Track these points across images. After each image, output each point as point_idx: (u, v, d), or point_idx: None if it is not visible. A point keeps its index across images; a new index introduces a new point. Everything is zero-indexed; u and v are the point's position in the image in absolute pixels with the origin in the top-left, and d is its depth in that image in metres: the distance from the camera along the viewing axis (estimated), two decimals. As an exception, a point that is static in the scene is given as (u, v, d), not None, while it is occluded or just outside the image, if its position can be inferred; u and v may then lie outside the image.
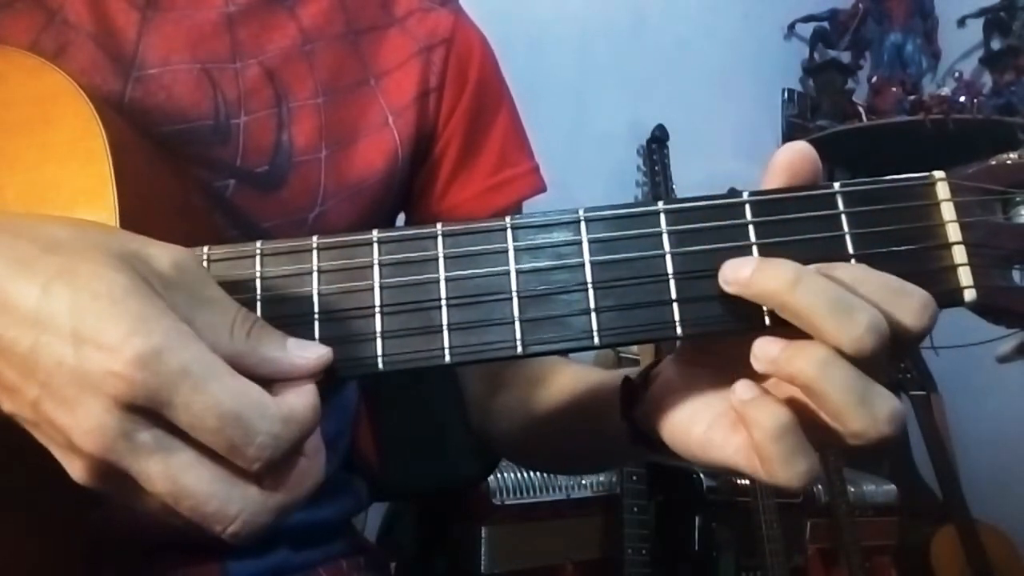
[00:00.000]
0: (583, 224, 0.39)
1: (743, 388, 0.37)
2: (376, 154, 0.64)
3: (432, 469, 0.93)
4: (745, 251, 0.38)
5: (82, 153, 0.44)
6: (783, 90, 2.24)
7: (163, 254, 0.34)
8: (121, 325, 0.31)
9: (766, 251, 0.38)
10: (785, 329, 0.36)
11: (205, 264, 0.39)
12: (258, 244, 0.39)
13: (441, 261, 0.39)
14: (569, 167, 1.70)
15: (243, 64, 0.60)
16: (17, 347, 0.32)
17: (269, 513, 0.33)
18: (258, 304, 0.38)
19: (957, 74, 1.99)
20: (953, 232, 0.38)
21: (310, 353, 0.36)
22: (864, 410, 0.35)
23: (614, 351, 1.51)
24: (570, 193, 1.45)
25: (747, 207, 0.39)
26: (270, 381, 0.35)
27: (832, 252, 0.38)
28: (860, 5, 2.18)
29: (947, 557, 1.71)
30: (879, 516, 1.75)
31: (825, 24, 2.24)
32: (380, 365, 0.38)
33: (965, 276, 0.38)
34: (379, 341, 0.38)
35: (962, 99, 1.89)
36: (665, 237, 0.39)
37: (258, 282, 0.39)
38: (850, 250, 0.38)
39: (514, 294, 0.38)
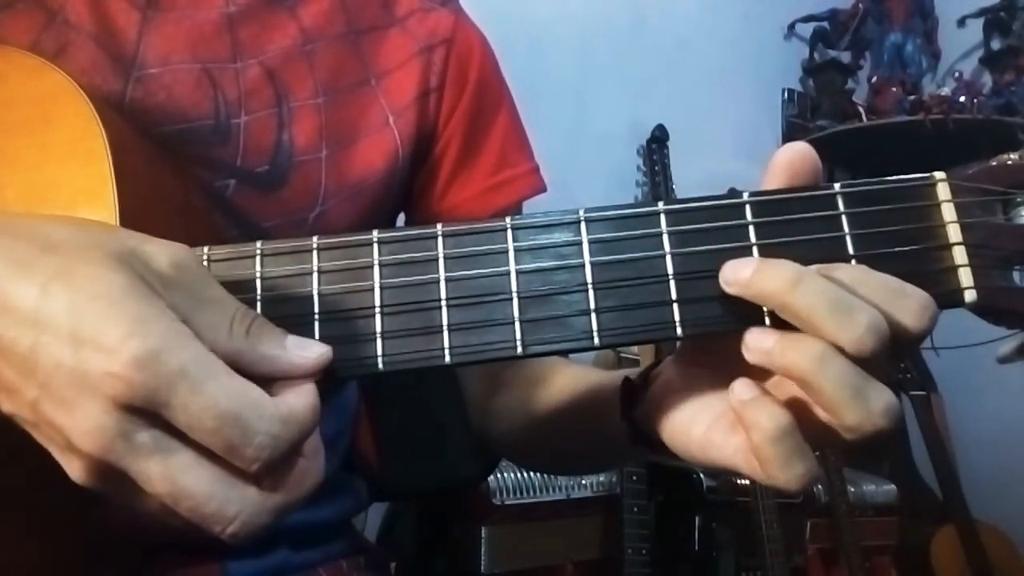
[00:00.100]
0: (583, 224, 0.39)
1: (742, 388, 0.37)
2: (376, 154, 0.64)
3: (432, 469, 0.93)
4: (745, 252, 0.38)
5: (82, 153, 0.44)
6: (783, 90, 2.24)
7: (161, 253, 0.34)
8: (119, 326, 0.31)
9: (766, 252, 0.38)
10: (785, 329, 0.36)
11: (206, 264, 0.39)
12: (258, 244, 0.39)
13: (441, 261, 0.39)
14: (569, 167, 1.70)
15: (243, 64, 0.60)
16: (16, 347, 0.32)
17: (268, 514, 0.33)
18: (258, 304, 0.38)
19: (957, 74, 1.99)
20: (954, 233, 0.38)
21: (309, 352, 0.36)
22: (859, 404, 0.35)
23: (614, 351, 1.51)
24: (570, 193, 1.45)
25: (747, 207, 0.39)
26: (270, 380, 0.35)
27: (832, 253, 0.38)
28: (860, 5, 2.18)
29: (947, 557, 1.71)
30: (879, 516, 1.75)
31: (825, 24, 2.24)
32: (380, 365, 0.38)
33: (965, 277, 0.38)
34: (379, 341, 0.38)
35: (962, 99, 1.89)
36: (665, 238, 0.39)
37: (258, 282, 0.39)
38: (850, 251, 0.38)
39: (514, 294, 0.38)
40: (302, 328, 0.37)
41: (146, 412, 0.31)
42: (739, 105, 2.16)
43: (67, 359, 0.31)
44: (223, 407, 0.31)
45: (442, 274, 0.39)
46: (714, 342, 0.41)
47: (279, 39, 0.62)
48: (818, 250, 0.38)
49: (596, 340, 0.38)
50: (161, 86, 0.57)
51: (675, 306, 0.38)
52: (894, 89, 2.03)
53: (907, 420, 1.86)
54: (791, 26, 2.29)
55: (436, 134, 0.68)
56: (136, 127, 0.53)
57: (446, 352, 0.38)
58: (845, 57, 2.21)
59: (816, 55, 2.25)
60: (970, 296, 0.38)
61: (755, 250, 0.38)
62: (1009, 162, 0.39)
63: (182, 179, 0.56)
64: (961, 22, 2.13)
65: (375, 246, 0.39)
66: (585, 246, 0.39)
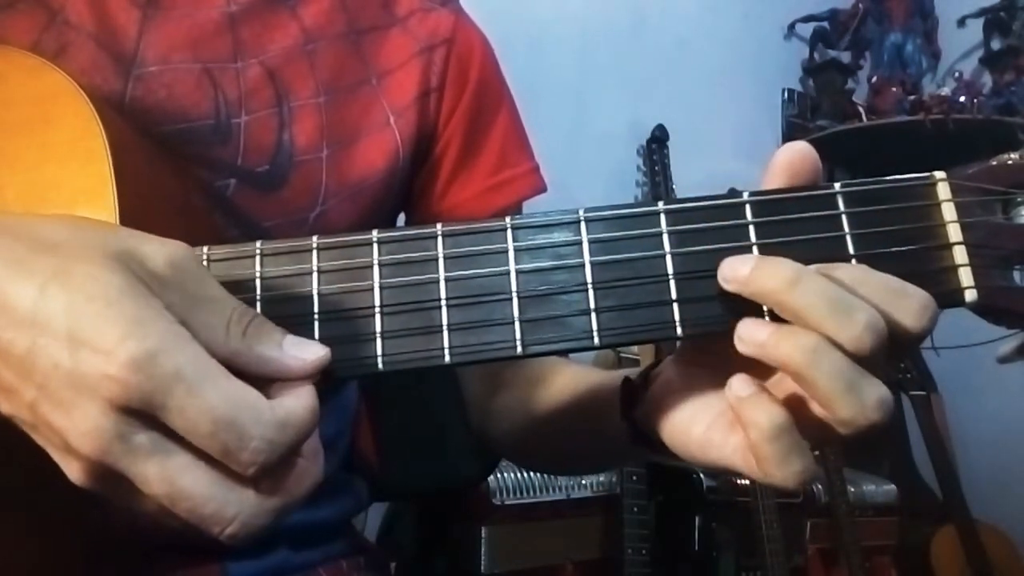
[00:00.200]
0: (583, 224, 0.39)
1: (739, 384, 0.37)
2: (377, 154, 0.64)
3: (432, 469, 0.93)
4: (745, 251, 0.38)
5: (82, 153, 0.44)
6: (783, 90, 2.24)
7: (158, 253, 0.34)
8: (116, 328, 0.31)
9: (767, 251, 0.38)
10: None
11: (205, 264, 0.39)
12: (258, 244, 0.39)
13: (441, 261, 0.39)
14: (569, 167, 1.70)
15: (244, 64, 0.60)
16: (15, 348, 0.32)
17: (267, 515, 0.33)
18: (258, 304, 0.38)
19: (957, 74, 1.99)
20: (954, 232, 0.38)
21: (307, 354, 0.35)
22: (852, 397, 0.35)
23: (614, 351, 1.51)
24: (570, 193, 1.45)
25: (747, 207, 0.39)
26: (268, 380, 0.35)
27: (833, 252, 0.38)
28: (860, 5, 2.18)
29: (947, 557, 1.71)
30: (879, 516, 1.75)
31: (825, 24, 2.24)
32: (380, 365, 0.38)
33: (966, 277, 0.38)
34: (379, 341, 0.38)
35: (962, 99, 1.89)
36: (665, 237, 0.39)
37: (258, 282, 0.39)
38: (851, 250, 0.38)
39: (514, 294, 0.38)
40: (302, 328, 0.37)
41: (143, 414, 0.31)
42: (739, 105, 2.16)
43: (64, 360, 0.31)
44: (219, 411, 0.31)
45: (442, 274, 0.39)
46: (714, 342, 0.41)
47: (280, 39, 0.62)
48: (818, 250, 0.38)
49: (596, 340, 0.38)
50: (161, 85, 0.57)
51: (675, 306, 0.38)
52: (894, 89, 2.04)
53: (907, 420, 1.86)
54: (791, 26, 2.29)
55: (436, 134, 0.68)
56: (136, 127, 0.53)
57: (446, 352, 0.38)
58: (845, 57, 2.21)
59: (816, 55, 2.25)
60: (970, 296, 0.38)
61: (755, 250, 0.38)
62: (1009, 162, 0.39)
63: (182, 179, 0.56)
64: (961, 22, 2.13)
65: (375, 246, 0.39)
66: (585, 246, 0.39)
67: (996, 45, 2.05)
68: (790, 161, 0.40)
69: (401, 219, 0.72)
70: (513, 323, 0.38)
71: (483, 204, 0.69)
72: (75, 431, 0.31)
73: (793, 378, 0.36)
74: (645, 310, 0.38)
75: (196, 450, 0.32)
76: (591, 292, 0.38)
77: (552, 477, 1.43)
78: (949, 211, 0.38)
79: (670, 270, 0.38)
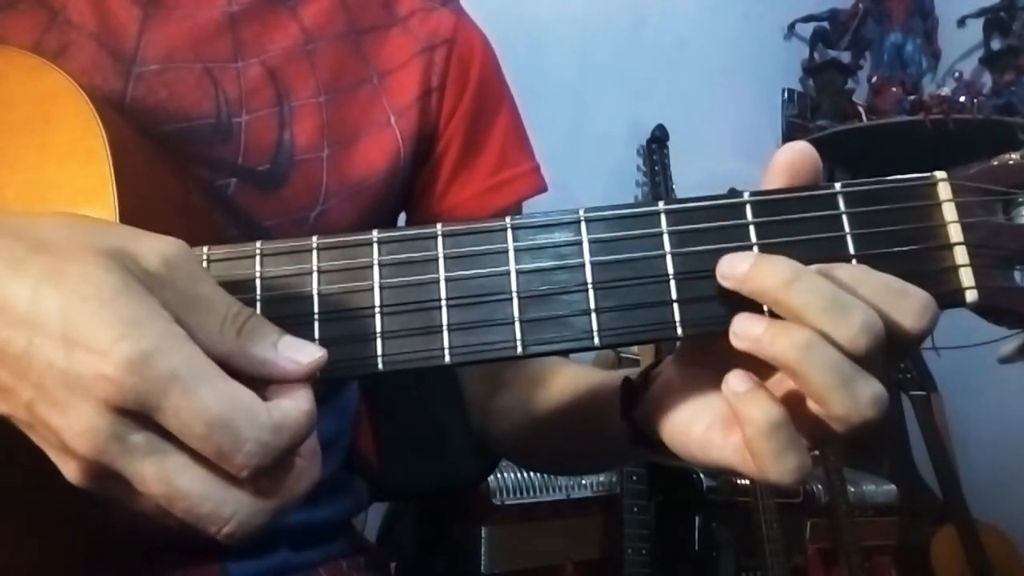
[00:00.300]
0: (583, 224, 0.39)
1: (736, 379, 0.37)
2: (378, 154, 0.64)
3: (432, 469, 0.93)
4: (746, 251, 0.38)
5: (82, 153, 0.44)
6: (783, 90, 2.24)
7: (152, 251, 0.34)
8: (110, 328, 0.31)
9: (767, 251, 0.38)
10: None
11: (205, 264, 0.39)
12: (258, 244, 0.39)
13: (441, 261, 0.39)
14: (569, 167, 1.69)
15: (245, 63, 0.60)
16: (11, 348, 0.32)
17: (264, 515, 0.33)
18: (258, 304, 0.38)
19: (957, 74, 1.99)
20: (954, 233, 0.38)
21: (302, 356, 0.35)
22: (846, 393, 0.35)
23: (614, 351, 1.51)
24: (570, 193, 1.45)
25: (748, 207, 0.39)
26: (266, 381, 0.34)
27: (833, 253, 0.38)
28: (860, 5, 2.18)
29: (947, 557, 1.71)
30: (879, 516, 1.75)
31: (825, 24, 2.24)
32: (380, 365, 0.38)
33: (966, 277, 0.38)
34: (379, 341, 0.38)
35: (962, 99, 1.89)
36: (666, 237, 0.39)
37: (258, 282, 0.39)
38: (851, 251, 0.38)
39: (514, 294, 0.38)
40: (302, 328, 0.37)
41: (139, 414, 0.31)
42: (739, 105, 2.16)
43: (60, 361, 0.31)
44: (213, 413, 0.31)
45: (442, 274, 0.39)
46: (714, 342, 0.41)
47: (280, 38, 0.62)
48: (819, 250, 0.38)
49: (596, 340, 0.38)
50: (162, 84, 0.57)
51: (675, 306, 0.38)
52: (894, 89, 2.04)
53: (907, 420, 1.86)
54: (791, 26, 2.29)
55: (437, 134, 0.68)
56: (137, 126, 0.53)
57: (446, 352, 0.38)
58: (845, 57, 2.21)
59: (816, 55, 2.25)
60: (971, 296, 0.38)
61: (755, 250, 0.38)
62: (1010, 162, 0.39)
63: (182, 178, 0.56)
64: (961, 22, 2.13)
65: (375, 246, 0.39)
66: (585, 246, 0.39)
67: (996, 45, 2.05)
68: (790, 161, 0.40)
69: (402, 219, 0.72)
70: (513, 323, 0.38)
71: (483, 204, 0.69)
72: (71, 431, 0.31)
73: (788, 374, 0.36)
74: (645, 310, 0.38)
75: (192, 450, 0.32)
76: (591, 292, 0.38)
77: (552, 477, 1.43)
78: (950, 211, 0.38)
79: (670, 270, 0.38)
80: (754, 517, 1.55)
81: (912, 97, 1.99)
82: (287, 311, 0.38)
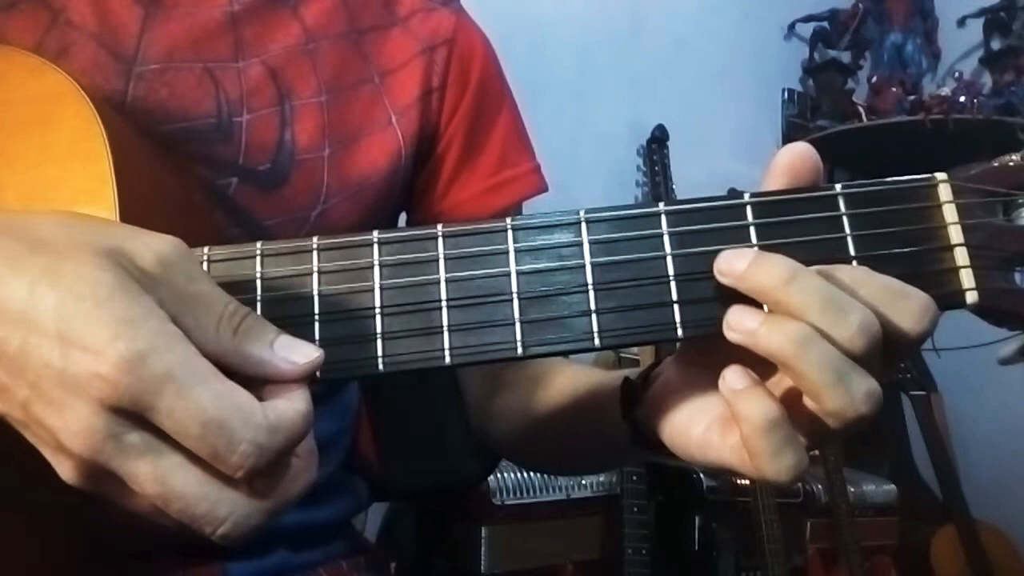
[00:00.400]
0: (584, 225, 0.39)
1: (733, 376, 0.37)
2: (379, 153, 0.64)
3: (432, 469, 0.93)
4: (746, 252, 0.38)
5: (82, 153, 0.44)
6: (783, 90, 2.24)
7: (148, 250, 0.33)
8: (106, 328, 0.31)
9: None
10: None
11: (205, 265, 0.39)
12: (258, 245, 0.39)
13: (442, 262, 0.39)
14: (569, 167, 1.70)
15: (245, 63, 0.60)
16: (7, 347, 0.32)
17: (259, 515, 0.33)
18: (259, 305, 0.38)
19: (957, 74, 1.99)
20: (955, 234, 0.38)
21: (298, 357, 0.35)
22: (841, 388, 0.35)
23: (614, 352, 1.51)
24: (570, 193, 1.44)
25: (748, 208, 0.39)
26: (262, 381, 0.34)
27: (834, 254, 0.38)
28: (860, 5, 2.18)
29: (947, 557, 1.71)
30: (879, 516, 1.75)
31: (825, 24, 2.24)
32: (381, 366, 0.38)
33: (967, 278, 0.38)
34: (379, 342, 0.38)
35: (962, 99, 1.89)
36: (666, 239, 0.39)
37: (258, 283, 0.39)
38: (852, 252, 0.38)
39: (515, 295, 0.38)
40: (302, 329, 0.37)
41: (134, 414, 0.31)
42: (739, 105, 2.16)
43: (55, 360, 0.31)
44: (208, 413, 0.31)
45: (442, 275, 0.38)
46: (714, 343, 0.41)
47: (281, 38, 0.62)
48: (819, 251, 0.38)
49: (597, 341, 0.38)
50: (163, 83, 0.57)
51: (676, 307, 0.38)
52: (894, 89, 2.04)
53: (907, 420, 1.86)
54: (791, 26, 2.29)
55: (438, 134, 0.68)
56: (137, 126, 0.53)
57: (446, 353, 0.38)
58: (845, 57, 2.21)
59: (816, 55, 2.25)
60: (971, 298, 0.38)
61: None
62: (1011, 163, 0.39)
63: (183, 178, 0.56)
64: (961, 22, 2.13)
65: (375, 247, 0.39)
66: (586, 247, 0.39)
67: (996, 45, 2.06)
68: (791, 162, 0.40)
69: (402, 219, 0.72)
70: (514, 324, 0.38)
71: (484, 203, 0.69)
72: (67, 430, 0.31)
73: (782, 369, 0.36)
74: (646, 311, 0.38)
75: (188, 450, 0.32)
76: (592, 293, 0.38)
77: (552, 477, 1.43)
78: (950, 213, 0.38)
79: (671, 271, 0.38)
80: (754, 517, 1.55)
81: (912, 97, 1.99)
82: (288, 312, 0.38)
